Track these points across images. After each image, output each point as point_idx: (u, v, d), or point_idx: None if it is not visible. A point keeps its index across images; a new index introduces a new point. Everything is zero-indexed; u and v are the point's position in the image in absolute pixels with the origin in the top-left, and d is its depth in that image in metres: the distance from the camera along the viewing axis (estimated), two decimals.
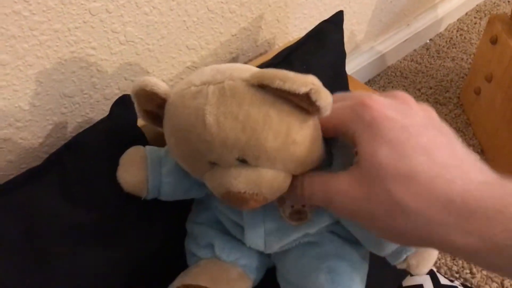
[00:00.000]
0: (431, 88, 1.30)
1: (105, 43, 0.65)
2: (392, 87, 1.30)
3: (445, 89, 1.29)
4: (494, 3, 1.63)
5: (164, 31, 0.71)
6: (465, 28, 1.51)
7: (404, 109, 0.37)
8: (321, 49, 0.72)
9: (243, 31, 0.85)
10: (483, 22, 1.52)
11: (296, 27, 0.96)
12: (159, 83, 0.43)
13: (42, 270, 0.51)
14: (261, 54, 0.92)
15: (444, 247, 0.33)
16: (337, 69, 0.77)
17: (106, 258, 0.56)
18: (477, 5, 1.61)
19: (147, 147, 0.56)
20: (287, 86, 0.36)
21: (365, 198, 0.35)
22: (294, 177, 0.43)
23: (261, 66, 0.74)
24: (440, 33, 1.50)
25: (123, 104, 0.63)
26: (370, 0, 1.13)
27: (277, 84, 0.36)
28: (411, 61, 1.39)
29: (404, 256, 0.47)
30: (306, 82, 0.36)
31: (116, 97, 0.68)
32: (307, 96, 0.36)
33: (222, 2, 0.77)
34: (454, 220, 0.31)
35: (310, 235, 0.51)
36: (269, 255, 0.57)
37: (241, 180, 0.40)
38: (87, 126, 0.69)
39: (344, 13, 0.83)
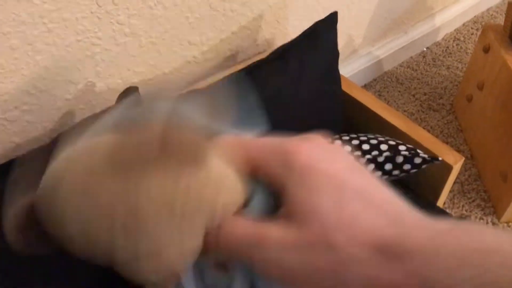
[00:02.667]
0: (425, 94, 1.33)
1: (110, 34, 0.68)
2: (388, 92, 1.33)
3: (439, 96, 1.32)
4: (491, 15, 1.66)
5: (168, 25, 0.75)
6: (462, 38, 1.54)
7: (327, 154, 0.35)
8: (314, 48, 0.76)
9: (243, 30, 0.88)
10: (480, 33, 1.55)
11: (295, 28, 1.00)
12: None
13: None
14: (259, 53, 0.95)
15: None
16: (330, 67, 0.80)
17: None
18: (474, 16, 1.65)
19: None
20: None
21: (307, 248, 0.31)
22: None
23: (257, 64, 0.77)
24: (437, 41, 1.53)
25: (128, 95, 0.66)
26: (369, 6, 1.16)
27: None
28: (407, 67, 1.42)
29: None
30: None
31: (119, 87, 0.71)
32: None
33: (224, 1, 0.80)
34: (395, 265, 0.30)
35: None
36: None
37: None
38: (90, 113, 0.72)
39: (343, 17, 0.86)
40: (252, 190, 0.36)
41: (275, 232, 0.32)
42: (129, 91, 0.66)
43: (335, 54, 0.80)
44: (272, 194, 0.36)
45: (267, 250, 0.32)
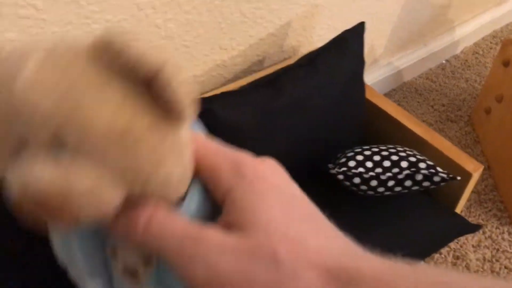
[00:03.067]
0: (443, 105, 1.35)
1: (148, 37, 0.72)
2: (407, 102, 1.36)
3: (457, 108, 1.34)
4: (510, 30, 1.68)
5: (201, 30, 0.78)
6: (481, 52, 1.56)
7: (279, 175, 0.34)
8: (342, 56, 0.79)
9: (271, 36, 0.91)
10: (499, 47, 1.57)
11: (320, 37, 1.03)
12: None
13: None
14: (285, 59, 0.98)
15: None
16: (356, 75, 0.83)
17: None
18: (493, 31, 1.67)
19: None
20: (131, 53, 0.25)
21: (247, 256, 0.29)
22: (130, 203, 0.30)
23: (286, 68, 0.80)
24: (456, 55, 1.55)
25: None
26: (391, 17, 1.19)
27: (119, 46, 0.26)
28: (426, 79, 1.45)
29: None
30: (158, 58, 0.26)
31: None
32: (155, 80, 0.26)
33: (254, 8, 0.83)
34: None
35: None
36: None
37: (47, 172, 0.26)
38: None
39: (366, 27, 0.89)
40: (189, 189, 0.33)
41: (213, 233, 0.30)
42: None
43: (361, 62, 0.83)
44: (208, 199, 0.33)
45: (202, 249, 0.29)
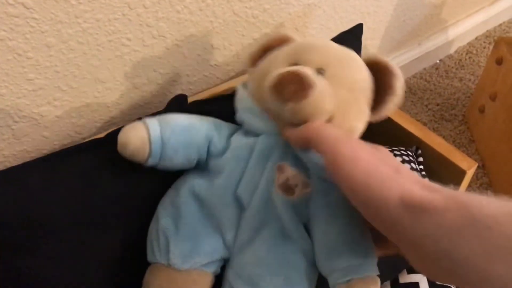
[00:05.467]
0: (438, 105, 1.35)
1: (139, 36, 0.71)
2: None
3: (451, 107, 1.35)
4: (504, 30, 1.69)
5: (193, 29, 0.78)
6: (474, 52, 1.57)
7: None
8: None
9: (264, 36, 0.91)
10: (492, 47, 1.57)
11: (313, 37, 1.03)
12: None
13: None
14: None
15: None
16: None
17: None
18: (487, 31, 1.67)
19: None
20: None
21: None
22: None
23: None
24: (450, 54, 1.56)
25: (177, 102, 0.69)
26: (384, 17, 1.19)
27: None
28: (420, 78, 1.45)
29: (349, 278, 0.48)
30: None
31: (144, 87, 0.74)
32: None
33: (246, 7, 0.83)
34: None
35: (280, 224, 0.53)
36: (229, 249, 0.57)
37: (309, 70, 0.51)
38: (116, 111, 0.75)
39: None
40: None
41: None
42: (179, 99, 0.69)
43: None
44: None
45: (345, 147, 0.46)
